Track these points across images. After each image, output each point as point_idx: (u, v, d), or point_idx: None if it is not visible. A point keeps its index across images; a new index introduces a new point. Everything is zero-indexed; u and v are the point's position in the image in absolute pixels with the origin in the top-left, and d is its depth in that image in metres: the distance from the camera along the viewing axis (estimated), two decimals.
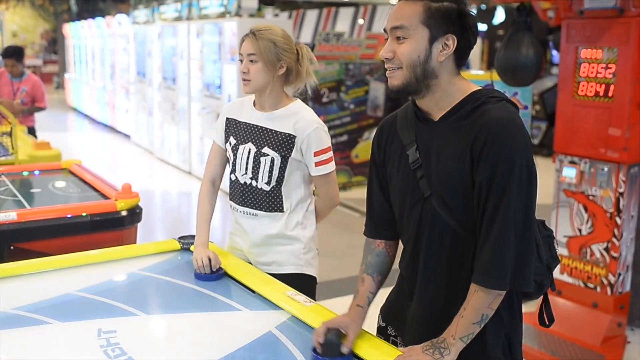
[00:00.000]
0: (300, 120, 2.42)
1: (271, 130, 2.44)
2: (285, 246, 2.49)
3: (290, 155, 2.42)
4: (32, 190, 3.75)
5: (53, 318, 1.94)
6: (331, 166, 2.48)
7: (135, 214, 3.22)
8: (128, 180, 3.41)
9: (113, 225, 3.15)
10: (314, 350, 1.75)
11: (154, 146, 11.01)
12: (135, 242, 3.25)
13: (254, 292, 2.19)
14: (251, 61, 2.41)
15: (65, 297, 2.12)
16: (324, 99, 8.28)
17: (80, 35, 16.78)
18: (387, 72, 1.73)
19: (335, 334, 1.76)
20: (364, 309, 1.86)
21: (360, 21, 12.61)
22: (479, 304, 1.65)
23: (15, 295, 2.12)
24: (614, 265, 3.86)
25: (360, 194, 8.10)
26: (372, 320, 2.04)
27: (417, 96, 1.75)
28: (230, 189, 2.57)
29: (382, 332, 2.00)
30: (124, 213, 3.17)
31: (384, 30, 1.74)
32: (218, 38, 8.46)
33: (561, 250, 4.10)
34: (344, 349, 1.74)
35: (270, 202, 2.46)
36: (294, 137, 2.41)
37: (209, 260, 2.32)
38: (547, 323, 1.90)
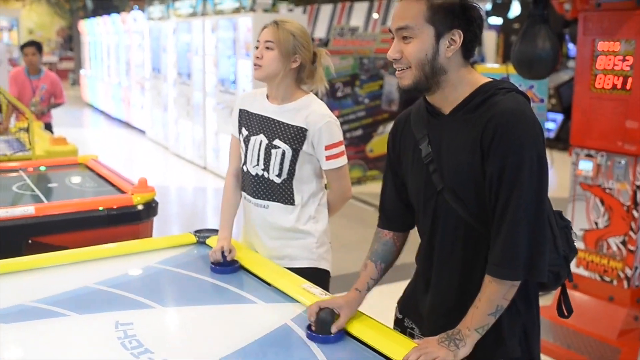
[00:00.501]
0: (312, 113, 2.42)
1: (283, 122, 2.45)
2: (297, 240, 2.49)
3: (301, 149, 2.42)
4: (49, 185, 3.78)
5: (71, 310, 1.96)
6: (343, 160, 2.47)
7: (151, 208, 3.24)
8: (143, 175, 3.43)
9: (129, 219, 3.16)
10: (309, 327, 1.81)
11: (169, 142, 11.06)
12: (151, 236, 3.27)
13: (269, 284, 2.20)
14: (267, 48, 2.41)
15: (83, 290, 2.14)
16: (339, 94, 8.27)
17: (96, 31, 16.88)
18: (396, 72, 1.74)
19: (329, 313, 1.81)
20: (361, 293, 1.90)
21: (375, 15, 12.60)
22: (493, 295, 1.65)
23: (33, 288, 2.14)
24: (630, 259, 3.84)
25: (374, 188, 8.09)
26: (390, 314, 2.05)
27: (427, 93, 1.76)
28: (242, 180, 2.57)
29: (399, 324, 2.01)
30: (140, 207, 3.18)
31: (389, 30, 1.74)
32: (233, 33, 8.48)
33: (577, 244, 4.06)
34: (333, 329, 1.79)
35: (282, 194, 2.46)
36: (306, 130, 2.41)
37: (226, 250, 2.33)
38: (566, 314, 1.89)
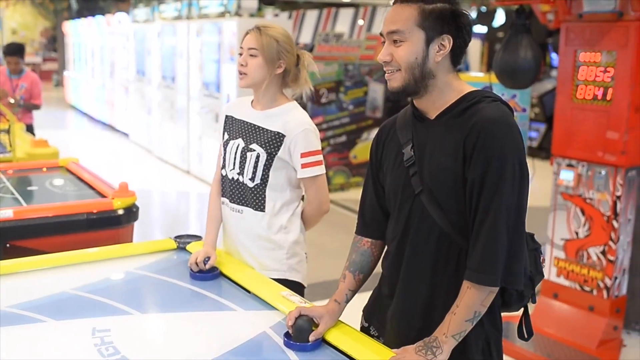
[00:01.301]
0: (292, 120, 2.42)
1: (261, 127, 2.44)
2: (268, 250, 2.47)
3: (276, 154, 2.41)
4: (29, 188, 3.74)
5: (48, 316, 1.94)
6: (319, 170, 2.44)
7: (131, 212, 3.22)
8: (126, 179, 3.41)
9: (110, 223, 3.14)
10: (286, 334, 1.82)
11: (153, 145, 11.00)
12: (131, 241, 3.25)
13: (249, 292, 2.19)
14: (251, 55, 2.41)
15: (61, 296, 2.12)
16: (323, 100, 8.28)
17: (80, 33, 16.77)
18: (386, 74, 1.76)
19: (307, 320, 1.81)
20: (341, 305, 1.90)
21: (360, 22, 12.60)
22: (471, 301, 1.66)
23: (10, 293, 2.11)
24: (610, 269, 3.87)
25: (358, 194, 8.05)
26: (357, 321, 2.04)
27: (415, 96, 1.78)
28: (222, 184, 2.57)
29: (365, 333, 2.00)
30: (120, 212, 3.16)
31: (380, 34, 1.77)
32: (218, 37, 8.46)
33: (558, 253, 4.10)
34: (311, 337, 1.79)
35: (254, 199, 2.44)
36: (283, 136, 2.40)
37: (204, 258, 2.31)
38: (526, 337, 1.90)
